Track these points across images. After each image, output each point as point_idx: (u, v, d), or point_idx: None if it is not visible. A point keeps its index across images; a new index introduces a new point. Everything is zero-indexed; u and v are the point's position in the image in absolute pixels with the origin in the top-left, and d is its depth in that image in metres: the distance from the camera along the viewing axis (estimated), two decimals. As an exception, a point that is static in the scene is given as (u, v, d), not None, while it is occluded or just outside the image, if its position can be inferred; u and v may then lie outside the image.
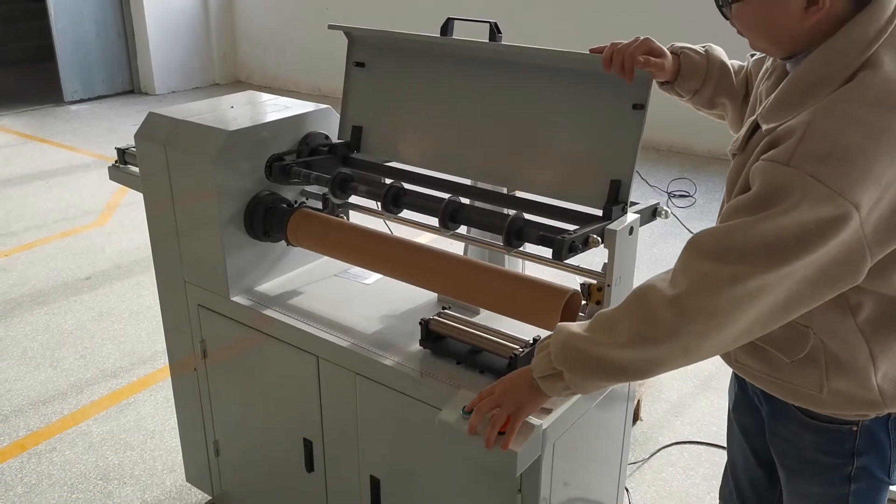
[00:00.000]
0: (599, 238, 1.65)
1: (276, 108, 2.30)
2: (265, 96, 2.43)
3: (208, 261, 2.15)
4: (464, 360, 1.84)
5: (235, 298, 2.15)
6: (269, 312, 2.08)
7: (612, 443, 2.02)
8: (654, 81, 1.69)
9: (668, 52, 1.66)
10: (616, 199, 1.77)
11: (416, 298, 2.11)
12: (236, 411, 2.32)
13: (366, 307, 2.10)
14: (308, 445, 2.12)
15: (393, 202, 1.88)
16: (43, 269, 4.54)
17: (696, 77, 1.70)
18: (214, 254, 2.12)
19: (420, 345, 1.90)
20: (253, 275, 2.20)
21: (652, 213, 1.88)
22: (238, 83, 9.66)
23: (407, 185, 1.95)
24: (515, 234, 1.70)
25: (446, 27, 1.93)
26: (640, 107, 1.71)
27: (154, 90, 8.88)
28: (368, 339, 1.96)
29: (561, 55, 1.79)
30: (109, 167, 2.66)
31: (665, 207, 1.89)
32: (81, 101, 8.54)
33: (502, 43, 1.88)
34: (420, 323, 1.88)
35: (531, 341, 1.79)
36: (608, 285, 1.74)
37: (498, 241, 1.80)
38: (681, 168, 6.31)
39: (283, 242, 2.16)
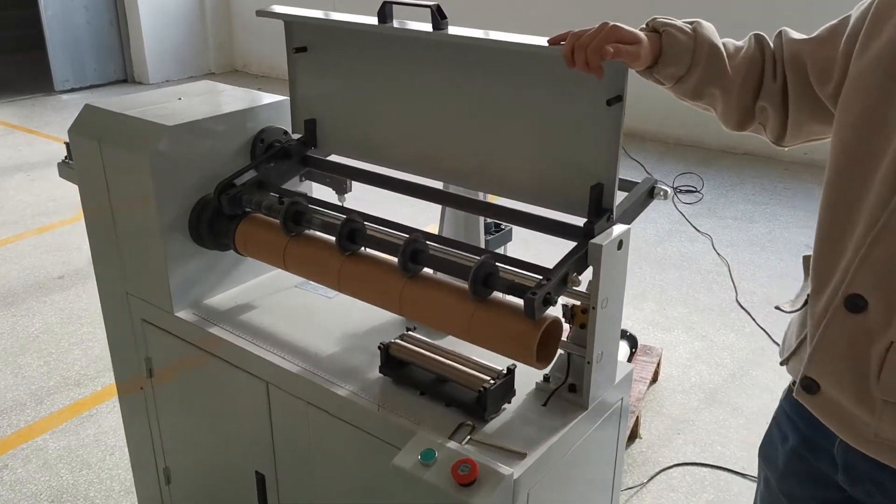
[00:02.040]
0: (578, 277, 1.43)
1: (231, 99, 2.07)
2: (223, 87, 2.20)
3: (150, 272, 1.93)
4: (428, 391, 1.61)
5: (180, 314, 1.92)
6: (215, 330, 1.85)
7: (603, 466, 1.78)
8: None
9: (642, 37, 1.37)
10: (599, 207, 1.53)
11: (380, 316, 1.87)
12: (187, 437, 2.10)
13: (325, 325, 1.87)
14: (261, 479, 1.90)
15: (349, 238, 1.65)
16: (15, 268, 4.34)
17: (680, 62, 1.40)
18: (156, 264, 1.89)
19: (380, 371, 1.67)
20: (201, 287, 1.97)
21: (649, 194, 1.63)
22: (234, 72, 9.42)
23: (368, 212, 1.72)
24: (483, 282, 1.47)
25: (384, 12, 1.68)
26: (618, 99, 1.46)
27: (147, 79, 8.66)
28: (324, 364, 1.73)
29: (512, 46, 1.54)
30: (59, 163, 2.43)
31: (665, 186, 1.64)
32: (72, 90, 8.32)
33: (444, 32, 1.60)
34: (379, 347, 1.65)
35: (504, 371, 1.56)
36: (593, 308, 1.50)
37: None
38: (687, 162, 6.04)
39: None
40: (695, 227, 4.81)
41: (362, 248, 1.67)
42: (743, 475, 2.76)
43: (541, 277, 1.46)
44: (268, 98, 2.04)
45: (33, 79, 8.54)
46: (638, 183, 1.66)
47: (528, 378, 1.62)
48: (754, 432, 2.99)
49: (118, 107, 1.96)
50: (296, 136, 2.02)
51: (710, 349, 3.55)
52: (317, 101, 1.96)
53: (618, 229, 1.52)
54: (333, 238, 1.65)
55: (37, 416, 3.06)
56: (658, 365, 3.25)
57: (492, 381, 1.53)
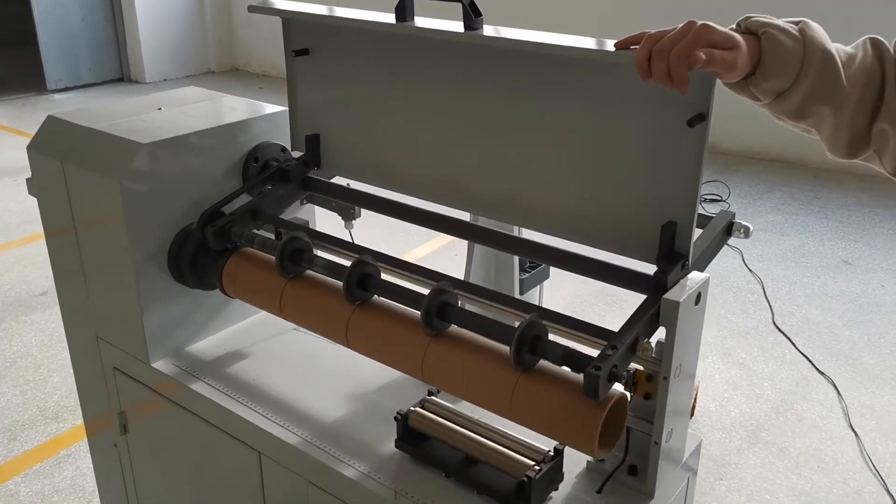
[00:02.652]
0: (652, 342, 1.13)
1: (221, 110, 1.77)
2: (212, 94, 1.90)
3: (122, 314, 1.63)
4: (455, 474, 1.31)
5: (157, 364, 1.62)
6: (197, 386, 1.56)
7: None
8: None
9: (739, 41, 1.07)
10: (671, 251, 1.23)
11: (396, 371, 1.57)
12: (167, 501, 1.80)
13: (329, 380, 1.57)
14: (252, 561, 1.60)
15: (360, 285, 1.34)
16: (-5, 282, 4.04)
17: (785, 73, 1.10)
18: (128, 305, 1.60)
19: (396, 446, 1.37)
20: (182, 332, 1.67)
21: (726, 231, 1.34)
22: (235, 70, 9.12)
23: (381, 262, 1.42)
24: (530, 348, 1.16)
25: (402, 8, 1.38)
26: (700, 118, 1.15)
27: (144, 78, 8.36)
28: (328, 433, 1.43)
29: (567, 52, 1.22)
30: (27, 179, 2.13)
31: (745, 223, 1.34)
32: (66, 89, 8.02)
33: (479, 32, 1.30)
34: (396, 418, 1.35)
35: (551, 453, 1.26)
36: (665, 378, 1.20)
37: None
38: (710, 169, 5.72)
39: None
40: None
41: (375, 296, 1.37)
42: (796, 530, 2.46)
43: (603, 342, 1.16)
44: (264, 109, 1.74)
45: (25, 77, 8.22)
46: (713, 217, 1.36)
47: (576, 455, 1.31)
48: (804, 478, 2.69)
49: (86, 119, 1.66)
50: (296, 155, 1.72)
51: (749, 379, 3.25)
52: (321, 114, 1.66)
53: (695, 279, 1.22)
54: (340, 283, 1.35)
55: (9, 454, 2.76)
56: (695, 398, 2.95)
57: (537, 467, 1.23)
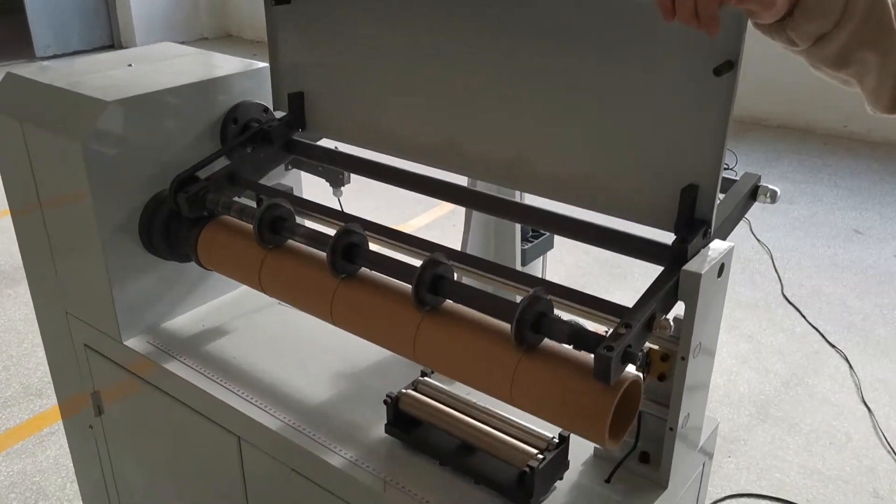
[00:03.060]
0: (670, 320, 1.01)
1: (196, 66, 1.63)
2: (186, 50, 1.75)
3: (91, 288, 1.51)
4: (450, 462, 1.20)
5: (129, 342, 1.50)
6: (173, 366, 1.44)
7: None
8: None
9: None
10: (692, 218, 1.10)
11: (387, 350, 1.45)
12: (145, 489, 1.70)
13: (315, 358, 1.46)
14: (234, 551, 1.49)
15: (345, 256, 1.21)
16: (-21, 254, 3.92)
17: (827, 13, 0.96)
18: (97, 279, 1.47)
19: (386, 431, 1.26)
20: (157, 307, 1.55)
21: (751, 196, 1.21)
22: (229, 37, 8.91)
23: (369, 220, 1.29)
24: (533, 326, 1.04)
25: None
26: (729, 66, 1.02)
27: (135, 44, 8.14)
28: (312, 416, 1.31)
29: None
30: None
31: (772, 187, 1.22)
32: (54, 56, 7.81)
33: None
34: (386, 401, 1.23)
35: (556, 440, 1.14)
36: (683, 358, 1.08)
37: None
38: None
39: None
40: (730, 209, 4.36)
41: (362, 269, 1.25)
42: (808, 509, 2.37)
43: (615, 320, 1.04)
44: (243, 65, 1.60)
45: (11, 44, 8.00)
46: (736, 181, 1.23)
47: (582, 440, 1.19)
48: (816, 455, 2.59)
49: (48, 76, 1.52)
50: (279, 115, 1.58)
51: (758, 353, 3.14)
52: (305, 70, 1.52)
53: (717, 249, 1.10)
54: (324, 254, 1.22)
55: (-10, 432, 2.66)
56: (702, 373, 2.84)
57: (540, 456, 1.12)
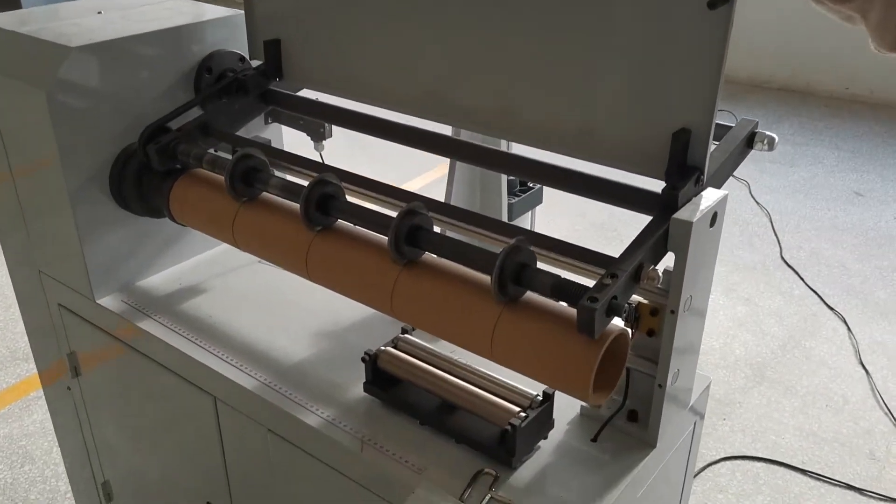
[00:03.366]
0: (659, 270, 0.95)
1: (168, 13, 1.55)
2: (162, -2, 1.68)
3: (62, 245, 1.45)
4: (430, 421, 1.16)
5: (103, 301, 1.45)
6: (147, 325, 1.39)
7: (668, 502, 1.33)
8: None
9: None
10: (684, 164, 1.04)
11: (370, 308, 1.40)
12: (125, 451, 1.66)
13: (294, 317, 1.41)
14: (214, 513, 1.46)
15: (320, 208, 1.15)
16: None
17: None
18: (67, 235, 1.42)
19: (365, 390, 1.21)
20: (132, 265, 1.50)
21: (747, 143, 1.16)
22: None
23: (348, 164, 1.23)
24: (514, 277, 0.98)
25: None
26: (723, 1, 0.95)
27: None
28: (289, 376, 1.27)
29: None
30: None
31: (770, 133, 1.16)
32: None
33: None
34: (364, 358, 1.18)
35: (539, 397, 1.10)
36: (672, 311, 1.03)
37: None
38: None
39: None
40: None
41: (338, 221, 1.19)
42: (803, 471, 2.34)
43: (598, 269, 0.99)
44: (217, 12, 1.53)
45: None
46: (731, 127, 1.17)
47: (568, 399, 1.14)
48: (812, 417, 2.56)
49: (11, 22, 1.45)
50: (255, 64, 1.51)
51: (755, 315, 3.10)
52: (281, 16, 1.45)
53: (710, 197, 1.04)
54: (299, 206, 1.17)
55: (-24, 397, 2.63)
56: (698, 336, 2.80)
57: (523, 414, 1.07)
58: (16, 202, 1.51)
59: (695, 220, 0.98)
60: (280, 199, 1.25)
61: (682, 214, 0.99)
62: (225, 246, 1.61)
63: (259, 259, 1.57)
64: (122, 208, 1.43)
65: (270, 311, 1.42)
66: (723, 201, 1.05)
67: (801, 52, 5.46)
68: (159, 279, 1.52)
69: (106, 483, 1.76)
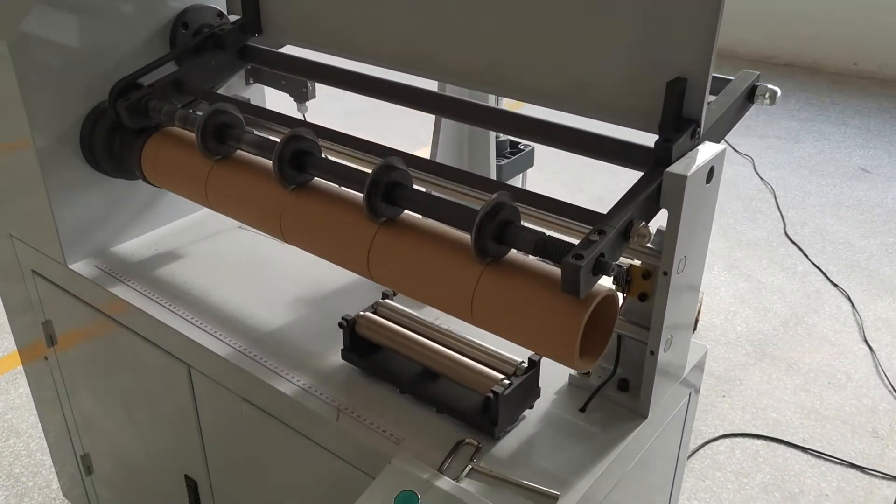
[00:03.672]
0: (650, 227, 0.89)
1: (145, -33, 1.48)
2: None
3: (32, 207, 1.39)
4: (410, 390, 1.10)
5: (75, 266, 1.40)
6: (119, 290, 1.33)
7: (659, 482, 1.28)
8: None
9: None
10: (679, 116, 0.98)
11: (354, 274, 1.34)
12: (104, 423, 1.61)
13: (273, 284, 1.35)
14: (192, 486, 1.41)
15: (294, 164, 1.09)
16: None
17: None
18: (36, 197, 1.36)
19: (343, 357, 1.16)
20: (106, 229, 1.44)
21: (747, 97, 1.09)
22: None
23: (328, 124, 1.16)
24: (496, 235, 0.92)
25: None
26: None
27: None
28: (265, 343, 1.21)
29: None
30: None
31: (772, 86, 1.09)
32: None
33: None
34: (341, 324, 1.13)
35: (524, 364, 1.04)
36: (665, 273, 0.97)
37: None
38: (721, 73, 5.36)
39: (147, 179, 1.38)
40: (733, 148, 4.21)
41: (315, 179, 1.13)
42: (804, 449, 2.29)
43: (588, 227, 0.92)
44: (194, -36, 1.46)
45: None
46: (730, 80, 1.10)
47: (556, 368, 1.09)
48: (814, 395, 2.50)
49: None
50: (233, 19, 1.45)
51: (758, 292, 3.03)
52: (259, -34, 1.38)
53: (707, 151, 0.98)
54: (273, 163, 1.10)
55: (-37, 370, 2.59)
56: (698, 311, 2.74)
57: (507, 381, 1.02)
58: (-16, 163, 1.45)
59: (689, 173, 0.91)
60: (255, 158, 1.19)
61: (676, 168, 0.93)
62: (203, 212, 1.55)
63: (239, 225, 1.51)
64: (95, 169, 1.37)
65: (249, 277, 1.37)
66: (720, 156, 0.98)
67: (808, 29, 5.35)
68: (135, 245, 1.46)
69: (86, 456, 1.71)
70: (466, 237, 0.97)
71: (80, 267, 1.39)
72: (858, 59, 5.29)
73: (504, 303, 0.93)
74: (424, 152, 3.95)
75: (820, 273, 3.14)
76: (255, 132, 1.24)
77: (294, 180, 1.11)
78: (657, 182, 0.93)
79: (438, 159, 1.32)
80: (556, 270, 0.91)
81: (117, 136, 1.34)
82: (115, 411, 1.54)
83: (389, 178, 1.00)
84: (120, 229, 1.45)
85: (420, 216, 1.02)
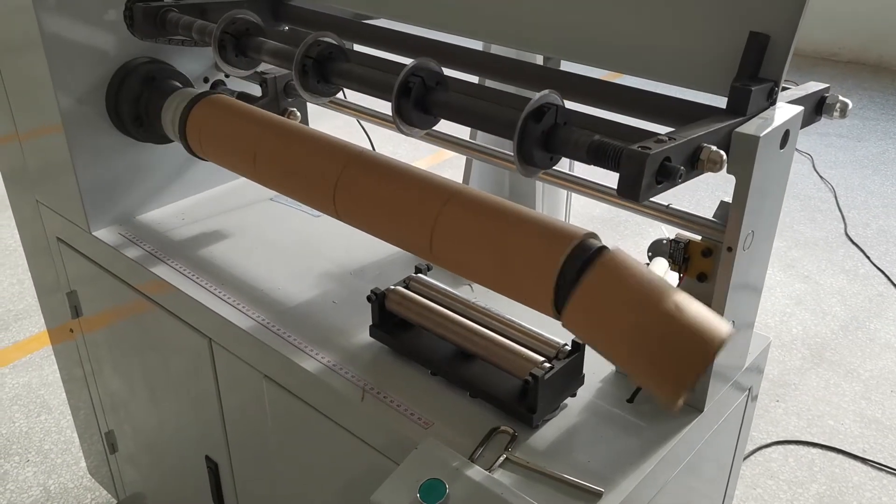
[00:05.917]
0: (722, 152, 0.77)
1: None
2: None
3: (56, 172, 1.34)
4: (442, 371, 1.01)
5: (98, 233, 1.34)
6: (140, 258, 1.27)
7: (714, 481, 1.17)
8: None
9: None
10: (756, 72, 0.86)
11: (383, 244, 1.25)
12: (127, 400, 1.56)
13: (304, 257, 1.28)
14: (213, 468, 1.35)
15: (317, 72, 1.00)
16: None
17: None
18: (60, 161, 1.30)
19: (371, 335, 1.07)
20: (132, 196, 1.38)
21: (815, 108, 0.97)
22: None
23: (359, 48, 1.08)
24: (540, 143, 0.82)
25: None
26: None
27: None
28: (290, 317, 1.14)
29: None
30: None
31: (843, 98, 0.98)
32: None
33: None
34: (370, 297, 1.04)
35: (567, 346, 0.94)
36: (729, 248, 0.86)
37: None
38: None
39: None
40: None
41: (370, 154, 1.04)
42: (864, 460, 2.14)
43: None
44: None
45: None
46: (795, 88, 0.98)
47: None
48: (875, 403, 2.35)
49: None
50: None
51: (816, 294, 2.87)
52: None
53: (783, 113, 0.86)
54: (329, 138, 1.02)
55: (-1, 345, 2.58)
56: (751, 312, 2.59)
57: (547, 364, 0.92)
58: (10, 118, 1.41)
59: (762, 134, 0.81)
60: (307, 130, 1.10)
61: (747, 128, 0.82)
62: (234, 182, 1.49)
63: (271, 197, 1.44)
64: (121, 132, 1.32)
65: (277, 250, 1.30)
66: (796, 119, 0.87)
67: (872, 25, 5.11)
68: (162, 213, 1.40)
69: (110, 433, 1.67)
70: (505, 205, 0.87)
71: (104, 234, 1.34)
72: (927, 56, 5.04)
73: (504, 253, 0.82)
74: (433, 156, 3.86)
75: (883, 276, 2.96)
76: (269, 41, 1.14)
77: (321, 92, 1.01)
78: (729, 122, 0.81)
79: (479, 135, 1.23)
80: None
81: (144, 95, 1.28)
82: (138, 387, 1.48)
83: (421, 81, 0.89)
84: (147, 197, 1.40)
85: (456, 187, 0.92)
